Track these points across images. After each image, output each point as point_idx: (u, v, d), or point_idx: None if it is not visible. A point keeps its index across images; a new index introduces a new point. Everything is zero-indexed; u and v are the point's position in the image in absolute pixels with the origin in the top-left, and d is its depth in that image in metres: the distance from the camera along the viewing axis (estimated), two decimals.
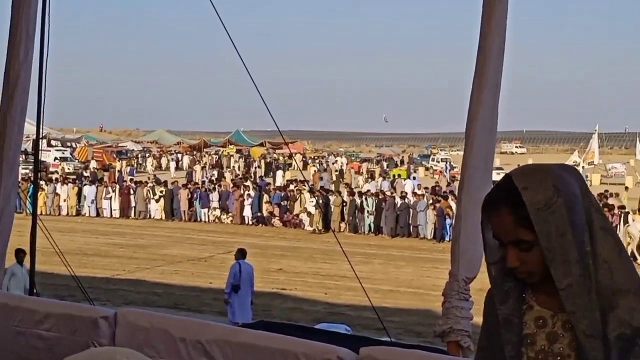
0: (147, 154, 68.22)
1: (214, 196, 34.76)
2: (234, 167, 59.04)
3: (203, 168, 54.81)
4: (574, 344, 1.98)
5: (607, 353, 1.92)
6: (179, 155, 67.10)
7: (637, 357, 1.93)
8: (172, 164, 60.94)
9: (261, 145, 69.78)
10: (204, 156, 66.21)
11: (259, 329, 5.52)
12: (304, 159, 63.80)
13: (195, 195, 35.02)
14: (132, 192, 36.19)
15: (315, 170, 51.94)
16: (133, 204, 35.83)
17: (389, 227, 29.98)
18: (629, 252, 24.36)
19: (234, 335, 5.10)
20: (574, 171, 2.05)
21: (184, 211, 34.76)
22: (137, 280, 20.87)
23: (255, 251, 21.28)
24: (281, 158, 63.03)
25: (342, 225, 31.14)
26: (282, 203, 33.36)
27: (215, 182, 39.86)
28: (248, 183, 37.57)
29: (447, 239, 26.85)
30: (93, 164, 54.36)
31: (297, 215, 32.54)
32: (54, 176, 41.35)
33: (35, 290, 12.00)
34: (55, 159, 54.72)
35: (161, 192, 35.60)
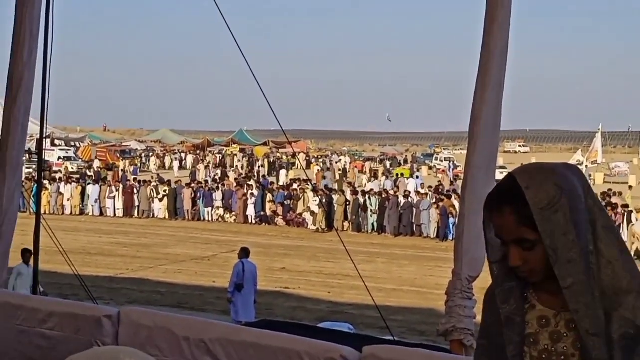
0: (151, 154, 68.24)
1: (218, 195, 34.77)
2: (237, 166, 59.05)
3: (207, 167, 54.81)
4: (577, 343, 1.98)
5: (611, 352, 1.92)
6: (183, 155, 67.17)
7: None
8: (176, 164, 60.99)
9: (265, 144, 69.79)
10: (208, 155, 66.22)
11: (262, 327, 5.52)
12: (307, 158, 63.82)
13: (198, 195, 35.05)
14: (135, 191, 36.21)
15: (318, 170, 51.93)
16: (136, 203, 35.85)
17: (392, 226, 29.98)
18: (634, 252, 24.37)
19: (237, 334, 5.10)
20: (576, 170, 2.05)
21: (188, 210, 34.78)
22: (141, 279, 20.89)
23: (258, 250, 21.30)
24: (284, 157, 63.00)
25: (346, 224, 31.14)
26: (285, 202, 33.36)
27: (218, 181, 39.88)
28: (251, 182, 37.59)
29: (450, 238, 26.84)
30: (97, 164, 54.37)
31: (301, 214, 32.55)
32: (57, 175, 41.36)
33: (42, 290, 12.08)
34: (59, 158, 54.79)
35: (165, 191, 35.63)
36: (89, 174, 47.11)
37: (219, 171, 51.52)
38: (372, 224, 30.79)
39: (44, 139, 8.83)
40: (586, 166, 44.71)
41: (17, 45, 6.63)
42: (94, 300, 9.05)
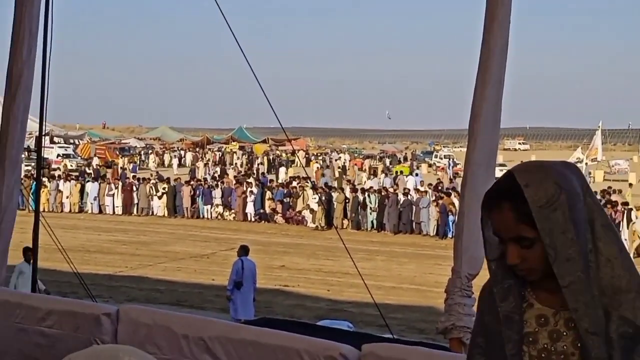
0: (150, 151, 68.20)
1: (217, 193, 34.79)
2: (236, 163, 59.04)
3: (206, 165, 54.83)
4: (577, 342, 1.97)
5: (610, 351, 1.92)
6: (182, 152, 67.12)
7: None
8: (175, 161, 61.01)
9: (264, 142, 69.76)
10: (207, 153, 66.19)
11: (262, 325, 5.52)
12: (306, 156, 63.81)
13: (197, 192, 35.06)
14: (134, 189, 36.24)
15: (318, 167, 51.95)
16: (136, 201, 35.87)
17: (391, 224, 30.00)
18: (635, 250, 24.41)
19: (236, 332, 5.10)
20: (575, 168, 2.04)
21: (187, 208, 34.79)
22: (140, 277, 20.90)
23: (257, 248, 21.31)
24: (284, 155, 62.96)
25: (345, 222, 31.15)
26: (284, 200, 33.38)
27: (218, 178, 39.87)
28: (251, 180, 37.59)
29: (449, 235, 26.86)
30: (96, 161, 54.38)
31: (300, 212, 32.56)
32: (56, 173, 41.36)
33: (44, 288, 12.09)
34: (58, 155, 54.73)
35: (164, 188, 35.64)
36: (88, 171, 47.09)
37: (218, 169, 51.54)
38: (372, 222, 30.81)
39: (43, 137, 8.83)
40: (586, 164, 44.77)
41: (16, 43, 6.63)
42: (92, 298, 9.04)
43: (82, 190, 36.86)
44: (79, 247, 23.97)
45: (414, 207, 29.89)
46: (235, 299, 14.55)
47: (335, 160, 62.46)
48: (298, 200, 33.01)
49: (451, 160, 58.31)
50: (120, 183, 37.42)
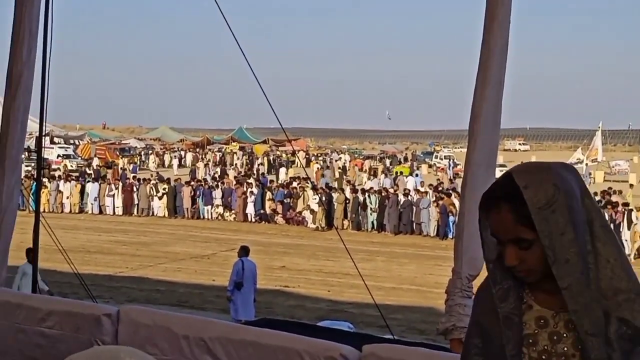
0: (150, 151, 68.18)
1: (217, 193, 34.79)
2: (237, 164, 59.04)
3: (206, 165, 54.84)
4: (577, 343, 1.97)
5: (610, 353, 1.92)
6: (182, 153, 67.12)
7: None
8: (175, 161, 61.00)
9: (264, 142, 69.73)
10: (207, 153, 66.18)
11: (262, 326, 5.52)
12: (307, 156, 63.82)
13: (198, 193, 35.06)
14: (135, 189, 36.24)
15: (318, 168, 51.95)
16: (136, 202, 35.87)
17: (392, 225, 30.00)
18: (637, 251, 24.43)
19: (236, 332, 5.10)
20: (572, 170, 2.04)
21: (187, 208, 34.79)
22: (140, 277, 20.89)
23: (258, 248, 21.30)
24: (284, 155, 62.94)
25: (345, 222, 31.16)
26: (285, 200, 33.37)
27: (218, 179, 39.89)
28: (251, 180, 37.60)
29: (450, 236, 26.87)
30: (96, 162, 54.39)
31: (300, 212, 32.55)
32: (56, 173, 41.37)
33: (47, 289, 12.09)
34: (58, 156, 54.75)
35: (164, 189, 35.64)
36: (88, 172, 47.11)
37: (218, 169, 51.55)
38: (372, 222, 30.81)
39: (43, 137, 8.83)
40: (586, 164, 44.75)
41: (16, 43, 6.63)
42: (93, 298, 9.04)
43: (82, 191, 36.87)
44: (79, 247, 23.97)
45: (414, 207, 29.89)
46: (235, 300, 14.54)
47: (336, 160, 62.44)
48: (298, 200, 33.01)
49: (451, 160, 58.32)
50: (121, 183, 37.43)
